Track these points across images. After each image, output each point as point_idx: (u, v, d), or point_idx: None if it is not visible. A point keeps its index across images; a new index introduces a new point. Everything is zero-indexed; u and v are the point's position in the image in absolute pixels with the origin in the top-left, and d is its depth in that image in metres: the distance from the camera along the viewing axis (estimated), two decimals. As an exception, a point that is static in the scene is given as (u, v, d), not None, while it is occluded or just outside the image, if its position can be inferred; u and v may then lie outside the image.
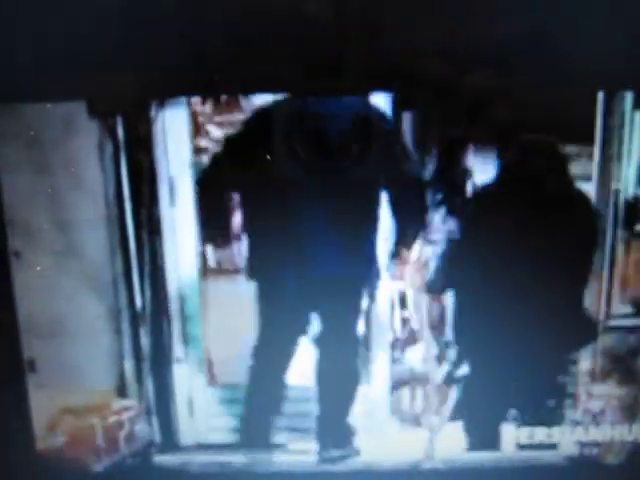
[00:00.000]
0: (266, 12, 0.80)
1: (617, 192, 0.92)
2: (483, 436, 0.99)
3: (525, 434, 0.97)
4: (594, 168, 0.91)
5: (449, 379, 0.98)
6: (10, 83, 0.85)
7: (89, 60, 0.82)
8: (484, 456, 0.98)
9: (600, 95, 0.86)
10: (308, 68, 0.83)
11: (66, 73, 0.83)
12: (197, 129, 0.90)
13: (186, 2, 0.82)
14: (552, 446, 0.98)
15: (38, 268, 0.94)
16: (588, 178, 0.92)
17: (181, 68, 0.83)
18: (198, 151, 0.91)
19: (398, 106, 0.86)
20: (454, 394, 0.99)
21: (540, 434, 0.97)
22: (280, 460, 1.00)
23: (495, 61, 0.82)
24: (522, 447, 0.98)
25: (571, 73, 0.82)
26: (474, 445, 0.99)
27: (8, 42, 0.83)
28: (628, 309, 0.96)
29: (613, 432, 0.97)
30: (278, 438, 1.00)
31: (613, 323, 0.96)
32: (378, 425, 0.99)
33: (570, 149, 0.91)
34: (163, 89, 0.87)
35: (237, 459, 1.00)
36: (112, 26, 0.81)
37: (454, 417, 0.99)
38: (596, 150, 0.90)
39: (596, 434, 0.97)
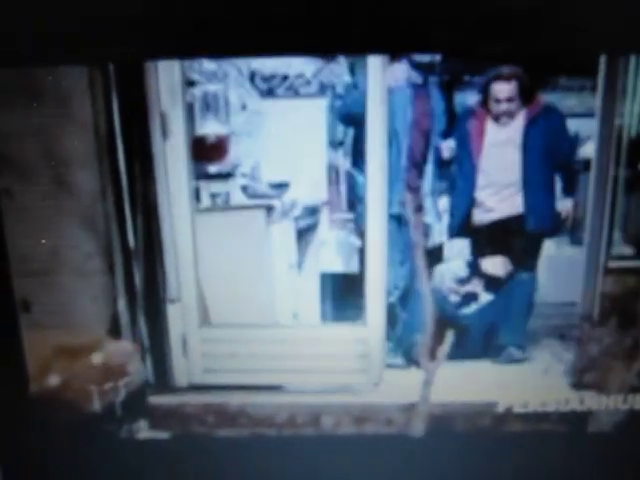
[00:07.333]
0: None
1: (621, 128, 0.89)
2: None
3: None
4: (597, 103, 0.89)
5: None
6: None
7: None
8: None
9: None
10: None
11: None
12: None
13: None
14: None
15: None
16: (590, 114, 0.90)
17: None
18: (189, 84, 0.89)
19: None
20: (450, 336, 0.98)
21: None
22: (274, 401, 0.99)
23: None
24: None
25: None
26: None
27: None
28: (629, 250, 0.94)
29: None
30: (273, 379, 0.99)
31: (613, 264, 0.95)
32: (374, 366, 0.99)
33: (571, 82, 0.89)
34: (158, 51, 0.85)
35: (232, 400, 1.00)
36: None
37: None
38: (600, 82, 0.88)
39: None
